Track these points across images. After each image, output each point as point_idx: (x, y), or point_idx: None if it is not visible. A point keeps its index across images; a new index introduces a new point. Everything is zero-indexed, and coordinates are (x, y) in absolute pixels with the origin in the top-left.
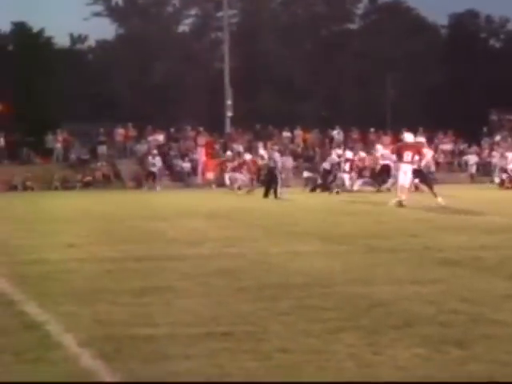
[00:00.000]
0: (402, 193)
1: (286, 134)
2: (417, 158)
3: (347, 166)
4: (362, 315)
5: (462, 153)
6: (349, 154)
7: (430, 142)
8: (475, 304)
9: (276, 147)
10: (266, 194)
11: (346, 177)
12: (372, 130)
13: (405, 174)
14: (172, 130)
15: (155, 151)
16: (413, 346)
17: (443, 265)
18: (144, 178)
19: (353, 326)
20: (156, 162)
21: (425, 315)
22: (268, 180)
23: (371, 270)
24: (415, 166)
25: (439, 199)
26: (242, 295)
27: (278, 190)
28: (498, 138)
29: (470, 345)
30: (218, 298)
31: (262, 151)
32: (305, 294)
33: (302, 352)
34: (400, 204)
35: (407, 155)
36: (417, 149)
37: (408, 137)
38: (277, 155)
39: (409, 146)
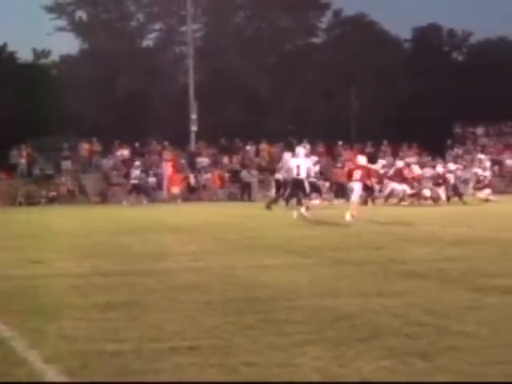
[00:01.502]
0: (354, 209)
1: (251, 147)
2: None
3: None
4: (328, 328)
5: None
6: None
7: (394, 154)
8: (440, 316)
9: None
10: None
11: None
12: (340, 142)
13: (353, 191)
14: (137, 144)
15: (138, 163)
16: (378, 358)
17: (408, 277)
18: (128, 193)
19: (319, 338)
20: (138, 175)
21: (390, 327)
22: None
23: (337, 282)
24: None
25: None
26: (208, 309)
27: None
28: (460, 151)
29: (435, 356)
30: (185, 313)
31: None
32: (271, 307)
33: (268, 365)
34: (352, 217)
35: (356, 173)
36: (367, 170)
37: (361, 159)
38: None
39: (360, 167)
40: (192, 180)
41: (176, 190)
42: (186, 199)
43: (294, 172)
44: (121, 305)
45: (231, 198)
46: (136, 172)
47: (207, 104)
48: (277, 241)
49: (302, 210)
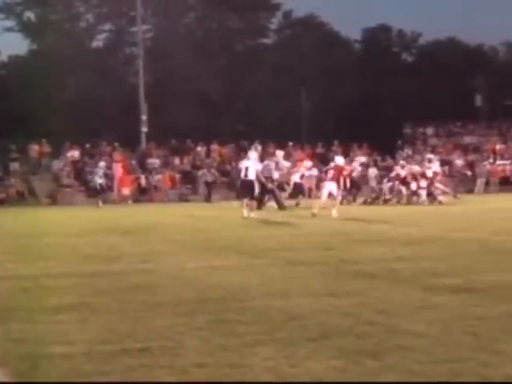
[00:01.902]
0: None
1: (202, 148)
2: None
3: None
4: (279, 328)
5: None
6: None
7: (345, 154)
8: (390, 315)
9: (275, 158)
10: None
11: None
12: (290, 143)
13: (328, 190)
14: (87, 145)
15: (102, 163)
16: (329, 357)
17: (359, 277)
18: (97, 194)
19: (270, 339)
20: (101, 175)
21: (341, 327)
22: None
23: (288, 283)
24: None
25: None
26: (158, 310)
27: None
28: (410, 151)
29: (385, 356)
30: (135, 314)
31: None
32: (222, 308)
33: (218, 366)
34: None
35: (329, 173)
36: (340, 169)
37: (338, 159)
38: (272, 167)
39: (334, 167)
40: (143, 181)
41: (126, 191)
42: (136, 200)
43: (243, 173)
44: (71, 307)
45: (182, 198)
46: (100, 172)
47: (158, 105)
48: (228, 241)
49: (248, 211)
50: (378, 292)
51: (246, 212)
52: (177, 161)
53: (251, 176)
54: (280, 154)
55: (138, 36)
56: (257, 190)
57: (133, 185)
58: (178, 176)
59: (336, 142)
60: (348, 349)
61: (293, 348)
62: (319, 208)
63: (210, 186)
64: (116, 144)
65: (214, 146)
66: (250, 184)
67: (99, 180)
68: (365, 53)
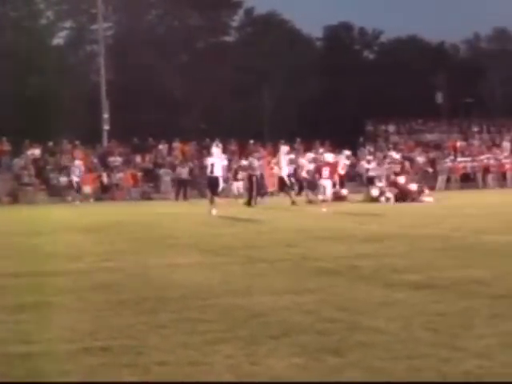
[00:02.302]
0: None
1: (164, 146)
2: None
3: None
4: (241, 326)
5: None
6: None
7: (307, 152)
8: (352, 312)
9: (257, 154)
10: (249, 202)
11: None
12: (251, 141)
13: (326, 189)
14: (50, 143)
15: (77, 162)
16: (290, 355)
17: (320, 274)
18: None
19: (231, 337)
20: (78, 173)
21: (302, 324)
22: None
23: (250, 280)
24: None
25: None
26: (120, 309)
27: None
28: (371, 148)
29: (346, 352)
30: (96, 313)
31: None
32: (183, 306)
33: (180, 364)
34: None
35: (325, 171)
36: (334, 167)
37: (328, 156)
38: (256, 163)
39: (327, 164)
40: (105, 179)
41: (88, 189)
42: (98, 199)
43: (209, 170)
44: (31, 306)
45: (144, 197)
46: (77, 171)
47: (119, 103)
48: (190, 239)
49: (214, 207)
50: (340, 289)
51: (214, 210)
52: (138, 159)
53: (217, 173)
54: (284, 149)
55: (99, 33)
56: (221, 186)
57: (94, 183)
58: (139, 174)
59: (298, 140)
60: (309, 346)
61: (254, 346)
62: (327, 205)
63: (185, 183)
64: (77, 142)
65: (176, 144)
66: (216, 180)
67: (76, 178)
68: (327, 50)
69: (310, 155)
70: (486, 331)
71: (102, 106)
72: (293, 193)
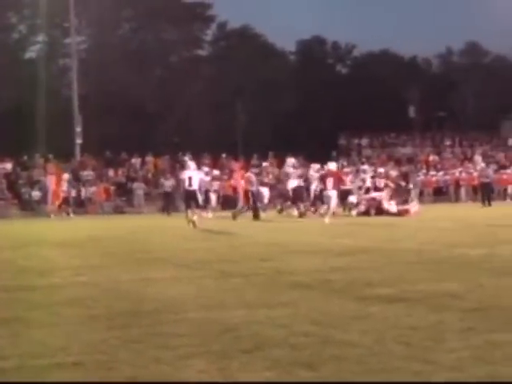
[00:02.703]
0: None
1: (137, 160)
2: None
3: None
4: (214, 340)
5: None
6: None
7: (280, 166)
8: (325, 326)
9: (254, 170)
10: (256, 216)
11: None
12: (224, 155)
13: (331, 199)
14: (23, 157)
15: (66, 175)
16: (263, 369)
17: (294, 288)
18: (58, 207)
19: (204, 351)
20: (67, 187)
21: (275, 338)
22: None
23: (223, 295)
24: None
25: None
26: (92, 324)
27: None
28: (344, 162)
29: (319, 366)
30: (69, 328)
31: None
32: (156, 320)
33: (152, 379)
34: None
35: (329, 181)
36: (338, 177)
37: (331, 165)
38: (253, 178)
39: (331, 174)
40: (73, 194)
41: (59, 203)
42: (71, 213)
43: (186, 183)
44: (2, 321)
45: (117, 211)
46: (65, 185)
47: (92, 117)
48: (164, 253)
49: (193, 220)
50: (313, 303)
51: (193, 222)
52: (111, 173)
53: (194, 186)
54: (290, 161)
55: (72, 47)
56: (200, 199)
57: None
58: (112, 188)
59: (270, 154)
60: (282, 360)
61: (227, 360)
62: (332, 216)
63: (169, 196)
64: (50, 156)
65: (149, 158)
66: (194, 193)
67: (48, 192)
68: (300, 64)
69: (316, 166)
70: (457, 344)
71: (74, 119)
72: (302, 205)
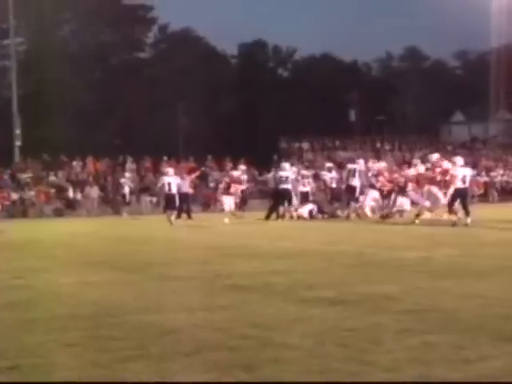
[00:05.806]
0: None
1: (78, 163)
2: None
3: None
4: (152, 343)
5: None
6: None
7: (220, 169)
8: (264, 329)
9: (242, 167)
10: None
11: None
12: (165, 158)
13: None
14: None
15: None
16: (202, 371)
17: (234, 291)
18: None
19: (142, 354)
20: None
21: (214, 341)
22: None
23: (162, 298)
24: None
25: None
26: (30, 327)
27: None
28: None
29: (258, 368)
30: (6, 331)
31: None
32: (94, 324)
33: (90, 382)
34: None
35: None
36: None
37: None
38: (245, 176)
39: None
40: (16, 196)
41: None
42: (10, 216)
43: (166, 188)
44: None
45: (57, 214)
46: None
47: (32, 118)
48: (104, 257)
49: (173, 217)
50: (253, 306)
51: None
52: (51, 175)
53: (174, 190)
54: (328, 165)
55: (11, 48)
56: (177, 202)
57: (5, 200)
58: (52, 191)
59: (209, 157)
60: (221, 362)
61: (166, 363)
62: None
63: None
64: None
65: (89, 160)
66: (173, 197)
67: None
68: (241, 68)
69: (328, 164)
70: (394, 346)
71: (13, 121)
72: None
